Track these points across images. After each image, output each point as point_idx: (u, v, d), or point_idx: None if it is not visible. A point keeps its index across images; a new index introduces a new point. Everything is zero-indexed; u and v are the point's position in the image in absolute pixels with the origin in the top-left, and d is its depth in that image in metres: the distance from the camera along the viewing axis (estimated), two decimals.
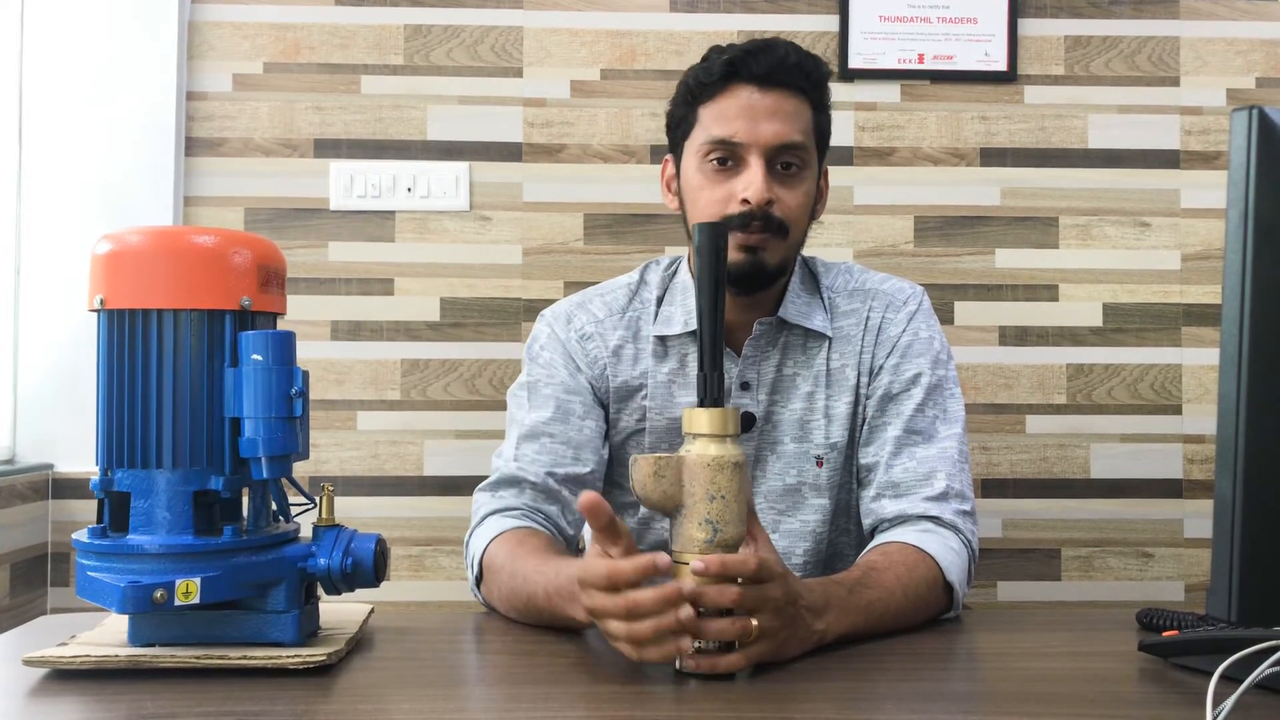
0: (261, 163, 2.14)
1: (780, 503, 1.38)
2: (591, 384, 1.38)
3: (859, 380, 1.37)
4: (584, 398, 1.37)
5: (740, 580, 0.94)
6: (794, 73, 1.30)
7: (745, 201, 1.28)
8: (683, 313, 1.38)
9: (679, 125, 1.36)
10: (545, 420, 1.34)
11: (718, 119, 1.30)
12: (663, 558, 0.92)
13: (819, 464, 1.36)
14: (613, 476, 1.42)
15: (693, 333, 1.36)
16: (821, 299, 1.40)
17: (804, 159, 1.31)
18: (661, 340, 1.38)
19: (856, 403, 1.37)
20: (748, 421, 1.36)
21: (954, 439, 1.32)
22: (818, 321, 1.37)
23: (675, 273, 1.42)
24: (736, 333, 1.36)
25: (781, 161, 1.30)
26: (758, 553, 0.96)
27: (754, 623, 0.94)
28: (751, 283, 1.31)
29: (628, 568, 0.92)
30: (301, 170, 2.14)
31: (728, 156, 1.30)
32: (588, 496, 0.94)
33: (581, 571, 0.95)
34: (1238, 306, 0.87)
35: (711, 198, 1.31)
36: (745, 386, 1.37)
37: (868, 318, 1.38)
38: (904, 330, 1.37)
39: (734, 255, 1.28)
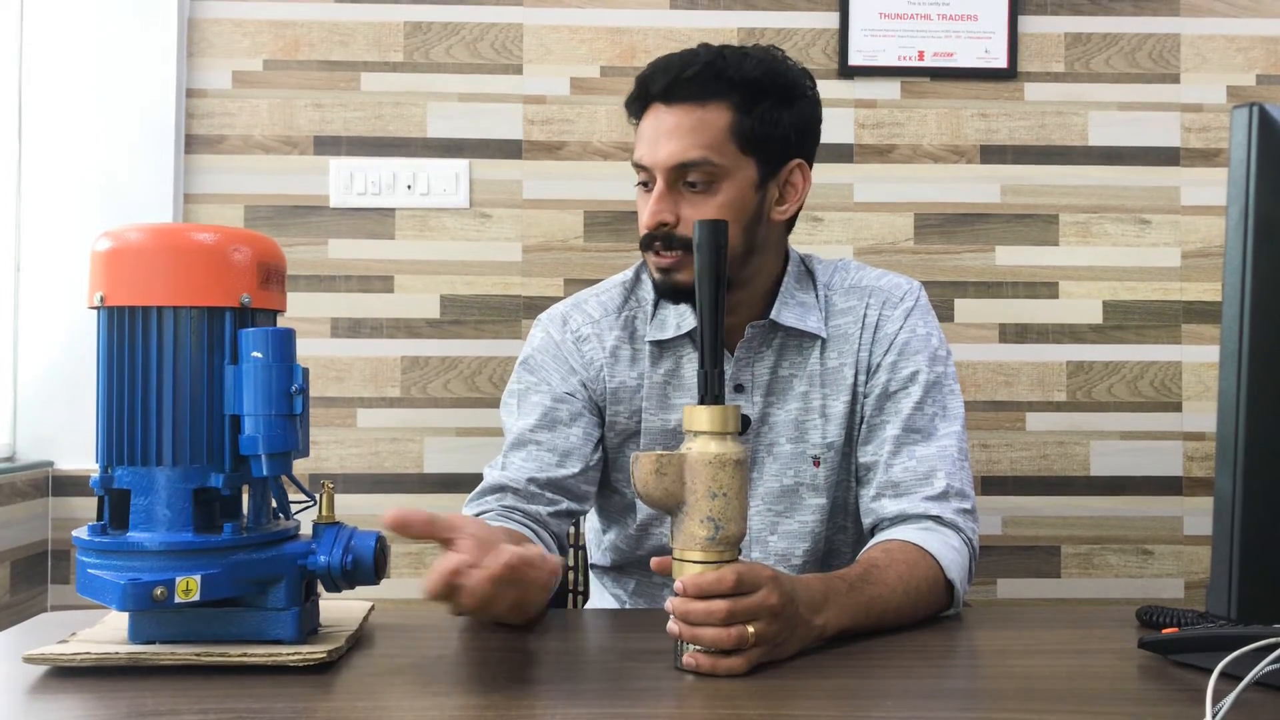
0: (261, 160, 2.14)
1: (778, 504, 1.37)
2: (585, 385, 1.37)
3: (856, 379, 1.36)
4: (572, 404, 1.36)
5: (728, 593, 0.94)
6: (695, 82, 1.27)
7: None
8: (675, 315, 1.37)
9: None
10: (531, 427, 1.34)
11: (639, 141, 1.32)
12: (454, 562, 0.89)
13: (816, 464, 1.36)
14: (609, 480, 1.41)
15: (687, 335, 1.36)
16: (817, 298, 1.39)
17: (712, 173, 1.27)
18: (657, 343, 1.38)
19: (854, 401, 1.36)
20: (743, 424, 1.35)
21: (953, 437, 1.32)
22: (812, 323, 1.36)
23: None
24: (729, 335, 1.34)
25: (686, 180, 1.28)
26: (737, 565, 0.96)
27: (750, 630, 0.94)
28: (675, 299, 1.33)
29: (437, 579, 0.89)
30: (301, 167, 2.14)
31: (645, 179, 1.31)
32: (389, 517, 0.92)
33: (423, 591, 0.92)
34: (1238, 303, 0.87)
35: (640, 219, 1.33)
36: (739, 389, 1.36)
37: (865, 315, 1.37)
38: (901, 327, 1.36)
39: (654, 275, 1.32)
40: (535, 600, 0.99)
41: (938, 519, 1.26)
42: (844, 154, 2.17)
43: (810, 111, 1.34)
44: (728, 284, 1.30)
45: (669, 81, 1.27)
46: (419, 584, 0.91)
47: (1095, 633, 1.14)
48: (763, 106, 1.28)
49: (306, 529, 1.03)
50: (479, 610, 0.94)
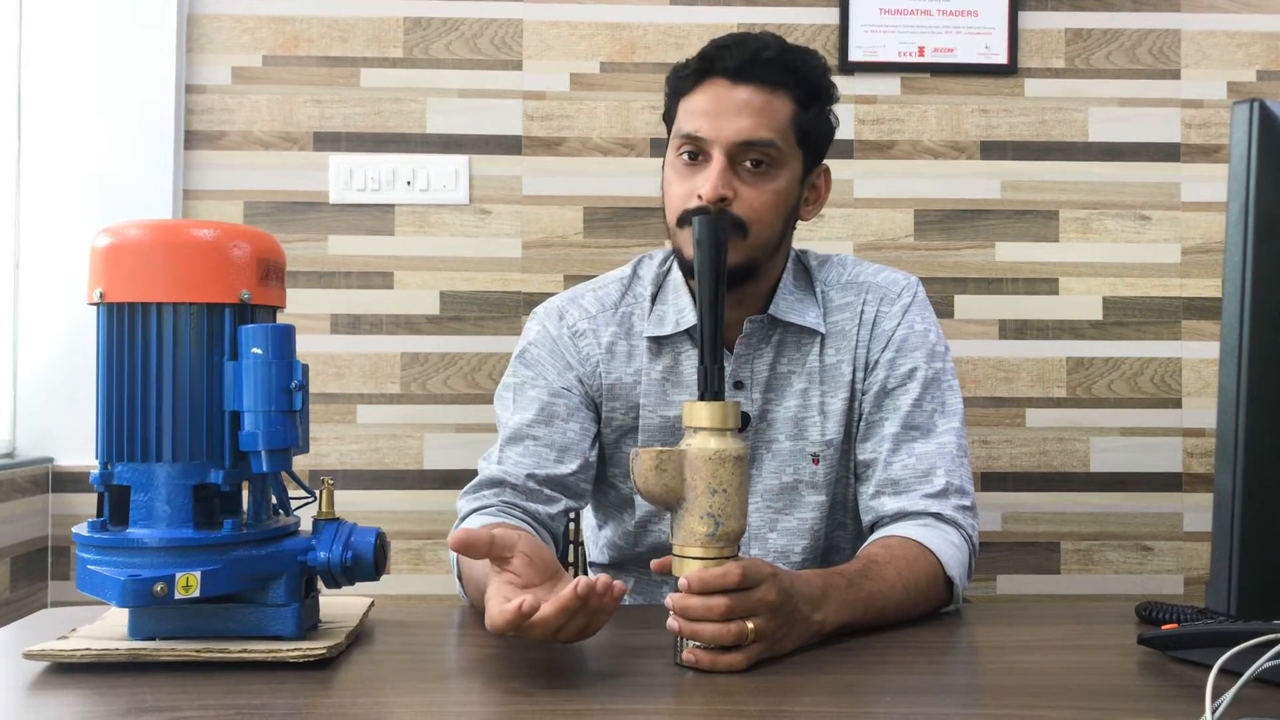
0: (261, 156, 2.14)
1: (777, 501, 1.37)
2: (582, 381, 1.37)
3: (854, 375, 1.36)
4: (569, 399, 1.35)
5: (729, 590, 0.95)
6: (771, 67, 1.26)
7: (700, 198, 1.26)
8: (674, 312, 1.36)
9: (667, 118, 1.36)
10: (528, 422, 1.33)
11: (689, 114, 1.29)
12: (529, 602, 0.89)
13: (815, 461, 1.36)
14: (605, 476, 1.41)
15: (685, 331, 1.36)
16: (815, 294, 1.39)
17: (774, 157, 1.27)
18: (655, 339, 1.38)
19: (852, 398, 1.36)
20: (742, 420, 1.35)
21: (952, 433, 1.32)
22: (810, 318, 1.36)
23: (669, 269, 1.40)
24: (727, 331, 1.33)
25: (748, 159, 1.26)
26: (740, 560, 0.96)
27: (749, 625, 0.94)
28: None
29: (509, 619, 0.90)
30: (301, 163, 2.14)
31: (695, 152, 1.28)
32: (454, 538, 0.96)
33: (491, 626, 0.93)
34: (1238, 300, 0.87)
35: (676, 192, 1.30)
36: (739, 385, 1.36)
37: (862, 312, 1.37)
38: (899, 324, 1.36)
39: (689, 254, 1.27)
40: (599, 625, 0.97)
41: (937, 516, 1.26)
42: (844, 150, 2.16)
43: (835, 124, 1.37)
44: (752, 275, 1.32)
45: (745, 59, 1.26)
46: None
47: (1095, 629, 1.14)
48: (816, 107, 1.31)
49: (306, 525, 1.04)
50: (545, 639, 0.94)
